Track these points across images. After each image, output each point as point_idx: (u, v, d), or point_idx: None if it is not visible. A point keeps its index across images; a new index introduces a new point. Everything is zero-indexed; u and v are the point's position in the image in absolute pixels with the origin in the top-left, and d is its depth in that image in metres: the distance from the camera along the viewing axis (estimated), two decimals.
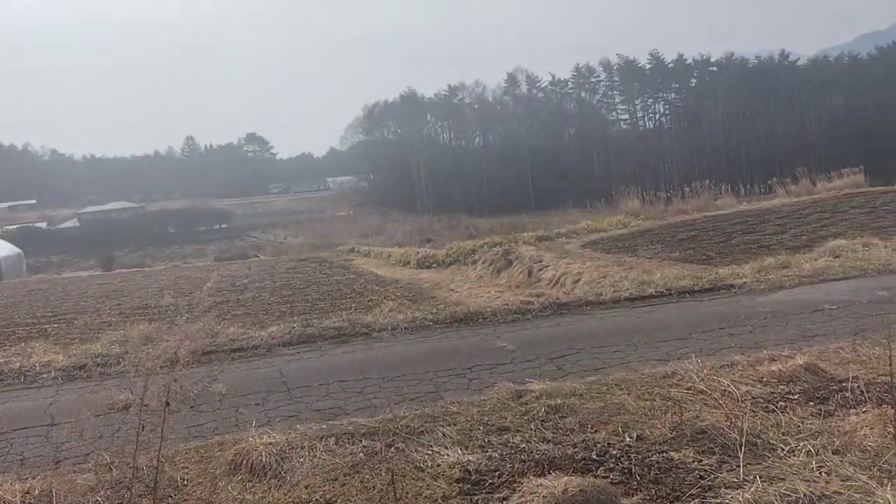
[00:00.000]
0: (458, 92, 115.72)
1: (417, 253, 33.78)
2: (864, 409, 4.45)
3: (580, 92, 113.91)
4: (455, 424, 4.82)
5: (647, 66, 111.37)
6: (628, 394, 5.17)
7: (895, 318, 7.35)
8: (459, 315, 8.43)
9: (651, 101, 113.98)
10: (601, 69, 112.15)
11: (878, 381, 5.02)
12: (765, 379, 5.33)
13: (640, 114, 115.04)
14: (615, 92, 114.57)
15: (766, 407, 4.74)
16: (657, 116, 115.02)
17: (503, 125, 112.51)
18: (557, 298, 8.77)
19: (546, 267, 22.46)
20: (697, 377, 5.35)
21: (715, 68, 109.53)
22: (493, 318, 8.41)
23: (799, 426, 4.35)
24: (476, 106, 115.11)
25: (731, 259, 17.23)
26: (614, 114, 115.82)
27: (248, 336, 7.95)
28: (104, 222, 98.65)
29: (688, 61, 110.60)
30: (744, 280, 9.49)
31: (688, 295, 9.09)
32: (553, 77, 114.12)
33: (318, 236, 74.20)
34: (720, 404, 4.77)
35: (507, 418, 4.84)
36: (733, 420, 4.39)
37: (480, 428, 4.73)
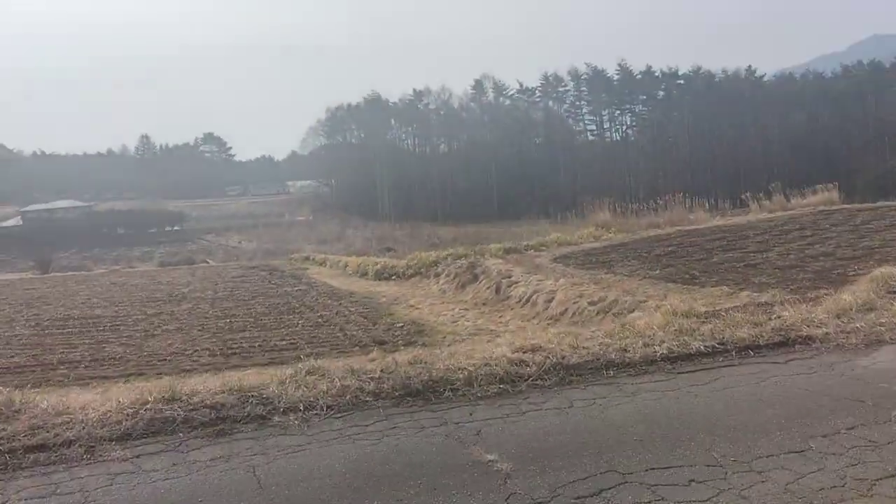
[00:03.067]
0: (423, 97, 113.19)
1: (376, 263, 31.23)
2: None
3: (548, 101, 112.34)
4: None
5: (615, 77, 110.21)
6: None
7: None
8: (416, 384, 5.33)
9: (618, 112, 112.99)
10: (569, 78, 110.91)
11: None
12: None
13: (606, 125, 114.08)
14: (582, 102, 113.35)
15: None
16: (623, 128, 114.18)
17: (469, 132, 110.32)
18: (563, 357, 5.80)
19: (516, 283, 19.92)
20: None
21: (682, 81, 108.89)
22: (469, 392, 5.32)
23: None
24: (441, 112, 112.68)
25: (717, 279, 15.31)
26: (581, 124, 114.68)
27: (64, 418, 4.76)
28: (49, 221, 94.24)
29: (656, 73, 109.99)
30: (824, 330, 6.66)
31: (751, 352, 6.22)
32: (521, 85, 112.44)
33: (274, 242, 71.11)
34: None
35: None
36: None
37: None
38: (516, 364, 5.65)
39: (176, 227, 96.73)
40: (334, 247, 56.36)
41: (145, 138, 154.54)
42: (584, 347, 6.01)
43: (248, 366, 13.37)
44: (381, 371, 5.57)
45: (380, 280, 28.86)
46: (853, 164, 78.00)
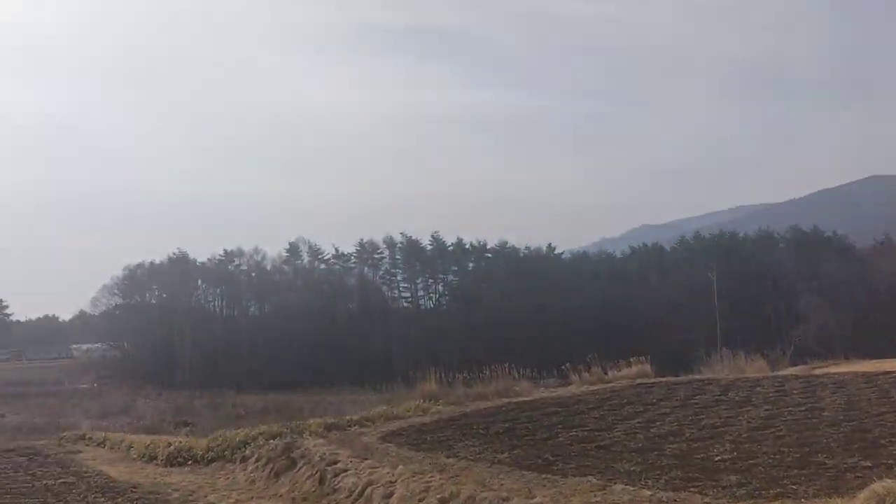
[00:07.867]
0: (234, 258, 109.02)
1: (169, 444, 26.07)
2: None
3: (363, 267, 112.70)
4: None
5: (429, 247, 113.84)
6: None
7: None
8: None
9: (431, 281, 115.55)
10: (385, 246, 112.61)
11: None
12: None
13: (421, 293, 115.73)
14: (398, 270, 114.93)
15: None
16: (437, 297, 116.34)
17: (281, 296, 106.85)
18: None
19: (344, 472, 16.73)
20: None
21: (490, 255, 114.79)
22: None
23: None
24: (253, 274, 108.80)
25: (575, 465, 13.33)
26: (396, 291, 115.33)
27: None
28: None
29: (466, 246, 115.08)
30: None
31: None
32: (336, 250, 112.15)
33: (47, 414, 61.03)
34: None
35: None
36: None
37: None
38: None
39: None
40: (120, 420, 48.98)
41: None
42: None
43: None
44: None
45: (172, 466, 23.90)
46: (645, 338, 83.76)
